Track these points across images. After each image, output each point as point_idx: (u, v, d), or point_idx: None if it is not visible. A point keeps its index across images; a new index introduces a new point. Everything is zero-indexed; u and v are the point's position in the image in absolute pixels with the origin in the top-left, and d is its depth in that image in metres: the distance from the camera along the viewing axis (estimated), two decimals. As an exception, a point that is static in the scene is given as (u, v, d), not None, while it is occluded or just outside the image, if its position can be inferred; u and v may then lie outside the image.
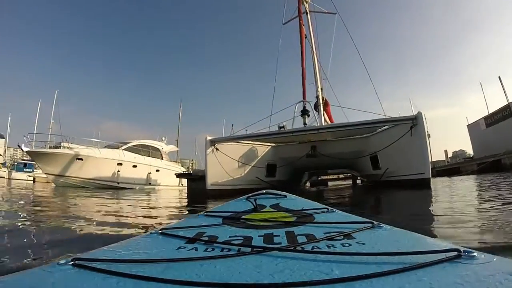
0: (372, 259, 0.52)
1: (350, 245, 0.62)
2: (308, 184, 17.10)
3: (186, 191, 9.97)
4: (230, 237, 0.73)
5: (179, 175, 12.43)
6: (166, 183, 16.80)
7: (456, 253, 0.50)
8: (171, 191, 12.06)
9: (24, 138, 13.09)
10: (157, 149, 17.75)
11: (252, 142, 8.90)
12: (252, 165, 8.80)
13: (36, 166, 14.21)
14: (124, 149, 15.34)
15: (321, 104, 10.26)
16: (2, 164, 33.72)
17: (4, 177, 22.30)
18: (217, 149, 7.86)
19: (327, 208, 1.06)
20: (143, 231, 2.24)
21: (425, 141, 6.54)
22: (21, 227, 2.37)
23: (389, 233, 0.73)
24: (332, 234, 0.69)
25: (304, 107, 9.78)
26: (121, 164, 14.69)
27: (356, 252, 0.57)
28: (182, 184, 17.25)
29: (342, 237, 0.68)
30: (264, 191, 1.47)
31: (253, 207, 1.13)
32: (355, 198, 6.82)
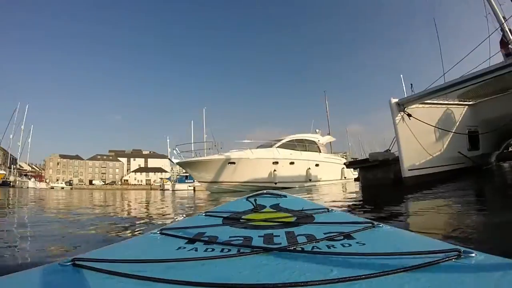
0: (372, 259, 0.52)
1: (350, 245, 0.62)
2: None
3: (360, 184, 8.14)
4: (230, 237, 0.72)
5: (350, 163, 11.02)
6: (327, 178, 15.10)
7: (456, 253, 0.50)
8: (334, 187, 10.95)
9: (174, 151, 13.03)
10: (314, 142, 15.73)
11: (446, 103, 6.75)
12: (453, 131, 6.65)
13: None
14: (278, 147, 13.91)
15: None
16: (167, 179, 43.39)
17: (169, 189, 27.42)
18: (408, 114, 5.81)
19: (327, 209, 1.06)
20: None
21: None
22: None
23: (389, 233, 0.73)
24: (332, 234, 0.69)
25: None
26: (276, 162, 13.26)
27: (356, 252, 0.56)
28: (345, 177, 16.08)
29: (342, 237, 0.67)
30: (264, 191, 1.48)
31: (253, 207, 1.13)
32: None
